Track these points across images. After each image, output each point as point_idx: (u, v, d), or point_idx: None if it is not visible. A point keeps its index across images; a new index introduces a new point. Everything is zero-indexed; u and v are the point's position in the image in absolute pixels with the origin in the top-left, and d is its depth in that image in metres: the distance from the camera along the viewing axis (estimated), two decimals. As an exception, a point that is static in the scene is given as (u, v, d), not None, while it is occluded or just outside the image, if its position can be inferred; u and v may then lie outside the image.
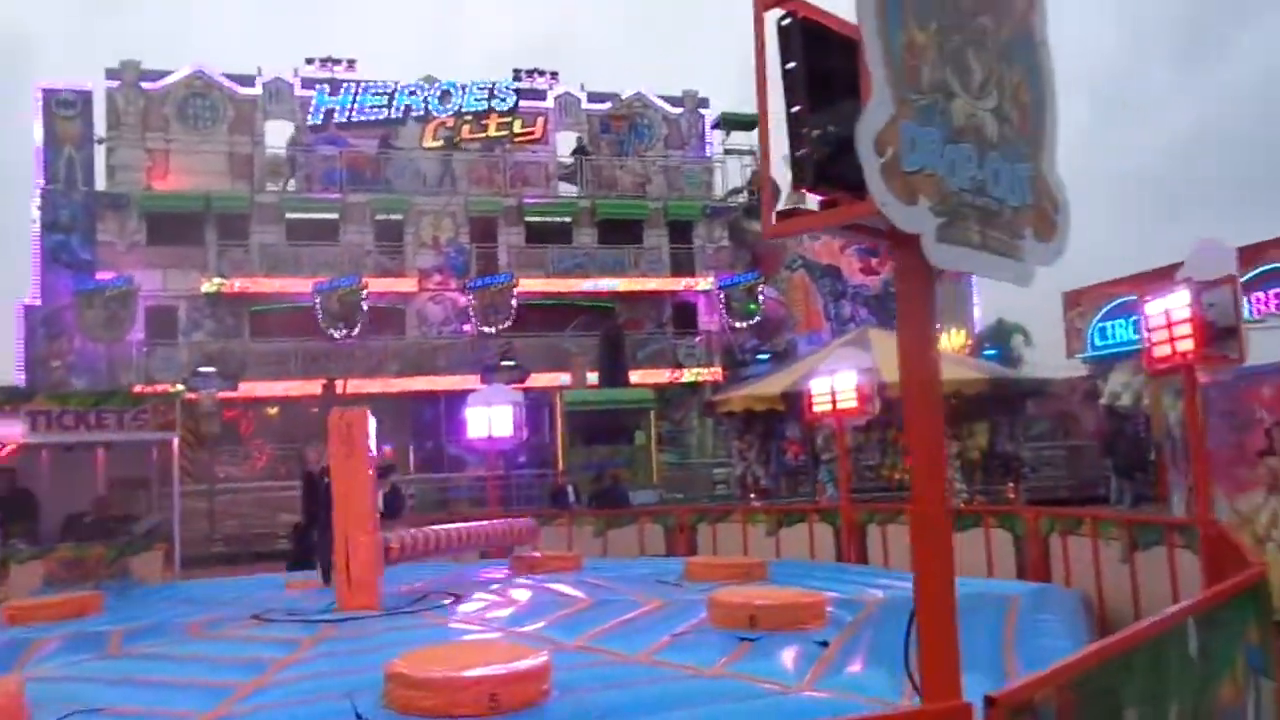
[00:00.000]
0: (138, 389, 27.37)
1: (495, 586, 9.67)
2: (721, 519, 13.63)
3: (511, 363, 24.15)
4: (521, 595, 9.10)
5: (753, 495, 16.70)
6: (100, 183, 29.53)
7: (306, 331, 28.11)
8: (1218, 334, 6.91)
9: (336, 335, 27.38)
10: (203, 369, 24.11)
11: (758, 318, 29.63)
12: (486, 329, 28.25)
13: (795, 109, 2.39)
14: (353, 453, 8.94)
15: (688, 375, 29.19)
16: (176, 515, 14.79)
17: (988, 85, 2.57)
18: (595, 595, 8.67)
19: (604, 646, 6.77)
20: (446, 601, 8.84)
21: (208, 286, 28.42)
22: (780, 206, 2.39)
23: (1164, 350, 7.16)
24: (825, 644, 6.27)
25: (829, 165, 2.26)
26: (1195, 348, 6.77)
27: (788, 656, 6.10)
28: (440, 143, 31.32)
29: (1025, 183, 2.67)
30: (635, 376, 28.16)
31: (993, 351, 28.17)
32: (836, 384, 12.41)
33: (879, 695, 5.10)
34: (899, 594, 8.27)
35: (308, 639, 7.27)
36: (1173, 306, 7.08)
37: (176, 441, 14.86)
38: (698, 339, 30.59)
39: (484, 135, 31.70)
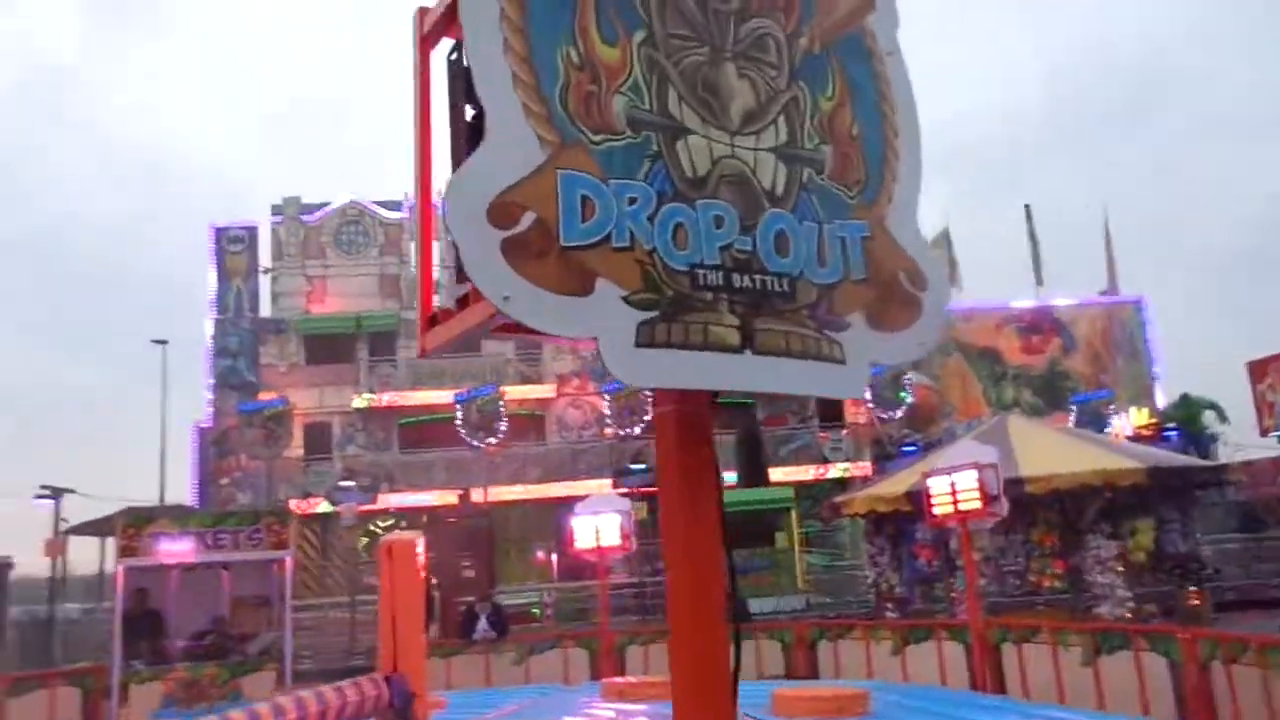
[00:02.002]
0: (294, 504, 28.54)
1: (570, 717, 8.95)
2: (843, 635, 12.41)
3: (642, 466, 23.49)
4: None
5: (887, 605, 15.19)
6: (265, 309, 31.44)
7: (451, 441, 28.49)
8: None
9: (478, 444, 27.61)
10: (343, 483, 24.68)
11: (906, 407, 27.92)
12: (624, 432, 27.83)
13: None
14: (403, 582, 8.45)
15: (834, 471, 27.69)
16: (288, 634, 14.77)
17: (765, 114, 1.79)
18: (659, 735, 7.79)
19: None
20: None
21: (358, 402, 29.46)
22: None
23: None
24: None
25: (494, 244, 1.55)
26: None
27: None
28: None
29: (850, 247, 1.85)
30: (778, 474, 26.98)
31: (1174, 431, 25.32)
32: (957, 482, 11.19)
33: None
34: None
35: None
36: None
37: (290, 560, 14.90)
38: (844, 432, 29.09)
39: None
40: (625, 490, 23.91)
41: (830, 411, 29.92)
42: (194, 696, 13.14)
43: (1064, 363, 30.09)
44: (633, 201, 1.59)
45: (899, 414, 27.87)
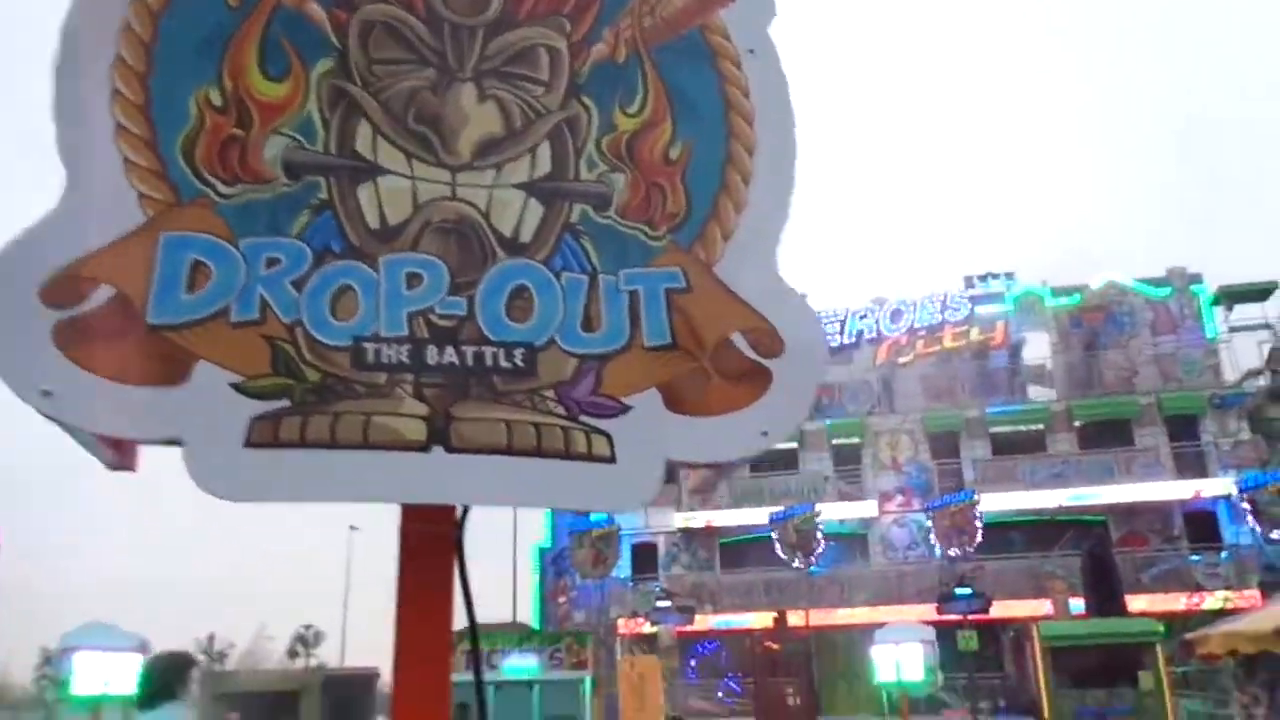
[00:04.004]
0: (621, 624, 29.19)
1: None
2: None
3: (967, 590, 21.41)
4: None
5: (1272, 772, 12.29)
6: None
7: (775, 562, 27.92)
8: None
9: (795, 564, 26.81)
10: (660, 603, 24.85)
11: (1302, 524, 23.30)
12: (951, 552, 25.73)
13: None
14: (644, 706, 8.15)
15: (1211, 600, 23.54)
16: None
17: (517, 142, 1.38)
18: None
19: None
20: None
21: (681, 522, 29.87)
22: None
23: None
24: None
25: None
26: None
27: None
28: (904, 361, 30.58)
29: (646, 304, 1.35)
30: (1141, 602, 23.43)
31: None
32: (1336, 620, 9.05)
33: None
34: None
35: None
36: None
37: (589, 681, 15.12)
38: (1222, 554, 24.80)
39: (939, 348, 30.35)
40: (955, 617, 21.95)
41: (1203, 530, 25.72)
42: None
43: None
44: (273, 264, 1.25)
45: (1293, 532, 23.28)
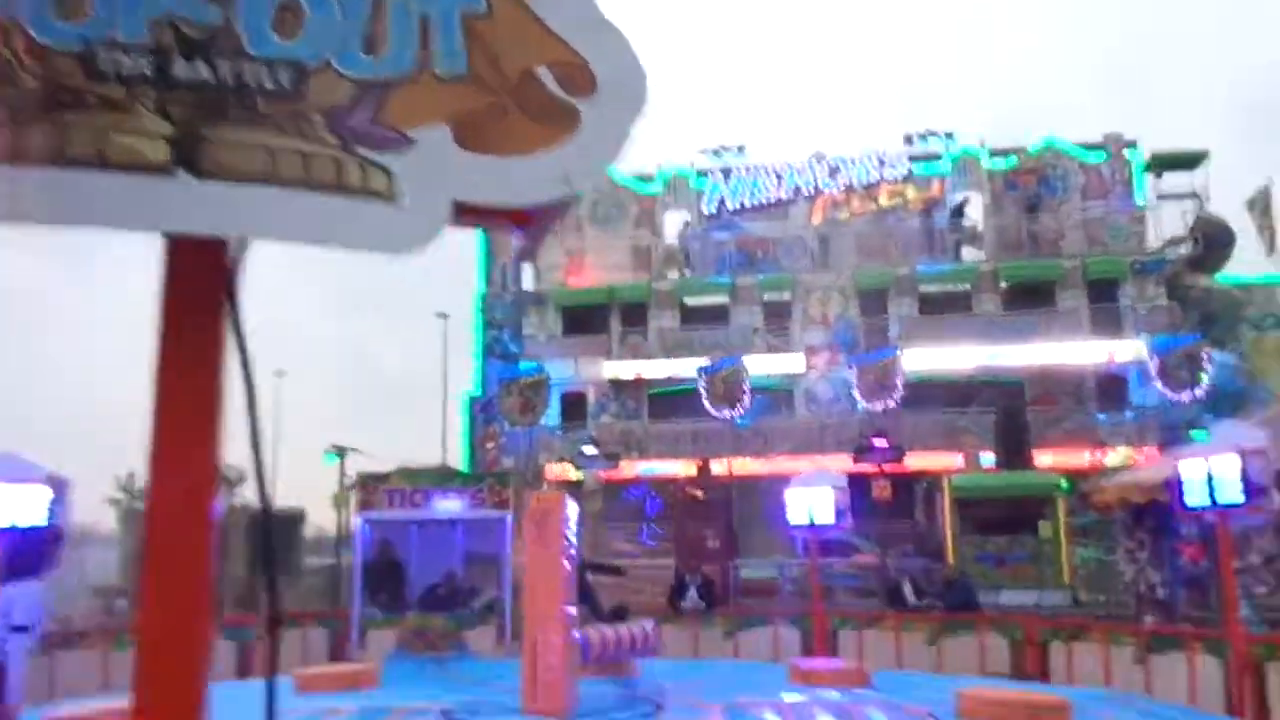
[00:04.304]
0: (548, 469, 29.72)
1: (746, 699, 8.71)
2: (1078, 636, 10.99)
3: (882, 442, 22.14)
4: (751, 712, 8.05)
5: (1148, 608, 13.22)
6: (528, 283, 32.81)
7: (701, 412, 28.43)
8: None
9: (721, 415, 27.37)
10: (586, 449, 25.30)
11: (1204, 388, 24.32)
12: (873, 406, 26.47)
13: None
14: (547, 542, 8.31)
15: (1113, 456, 24.73)
16: (508, 593, 15.32)
17: None
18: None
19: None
20: (647, 712, 7.93)
21: (610, 372, 30.08)
22: None
23: None
24: None
25: None
26: None
27: None
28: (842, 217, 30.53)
29: (438, 28, 1.19)
30: (1047, 458, 24.59)
31: None
32: (1214, 468, 9.50)
33: None
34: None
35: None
36: None
37: (510, 520, 15.43)
38: (1127, 414, 25.92)
39: (875, 207, 30.35)
40: (870, 468, 22.72)
41: (1114, 392, 26.77)
42: (424, 644, 13.89)
43: None
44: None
45: (1195, 395, 24.30)
